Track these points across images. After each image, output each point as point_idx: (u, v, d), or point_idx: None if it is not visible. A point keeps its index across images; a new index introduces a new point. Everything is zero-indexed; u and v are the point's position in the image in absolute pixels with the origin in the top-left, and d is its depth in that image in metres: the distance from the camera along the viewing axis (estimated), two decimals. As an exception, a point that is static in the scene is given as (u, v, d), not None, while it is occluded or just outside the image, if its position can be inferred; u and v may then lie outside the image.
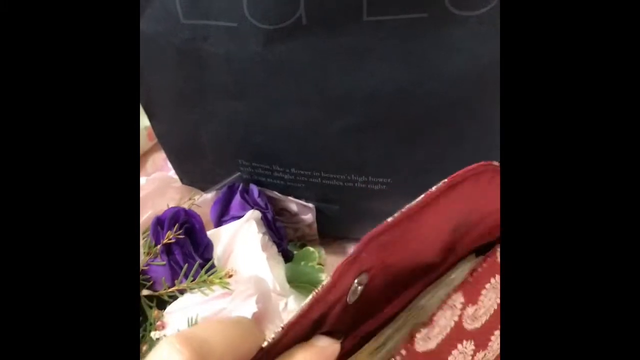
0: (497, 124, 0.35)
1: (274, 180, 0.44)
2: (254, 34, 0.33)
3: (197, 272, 0.36)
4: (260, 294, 0.32)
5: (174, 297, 0.36)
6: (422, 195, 0.21)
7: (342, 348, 0.25)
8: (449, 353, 0.24)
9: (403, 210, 0.20)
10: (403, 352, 0.23)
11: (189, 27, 0.34)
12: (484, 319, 0.25)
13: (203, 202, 0.46)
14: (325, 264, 0.47)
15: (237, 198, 0.45)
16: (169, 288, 0.36)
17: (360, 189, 0.42)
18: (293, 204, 0.46)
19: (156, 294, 0.36)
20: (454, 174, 0.21)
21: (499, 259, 0.26)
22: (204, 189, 0.48)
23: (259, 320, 0.33)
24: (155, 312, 0.34)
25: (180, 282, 0.36)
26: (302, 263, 0.46)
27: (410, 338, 0.23)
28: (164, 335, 0.32)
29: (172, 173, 0.50)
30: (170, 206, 0.41)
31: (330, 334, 0.21)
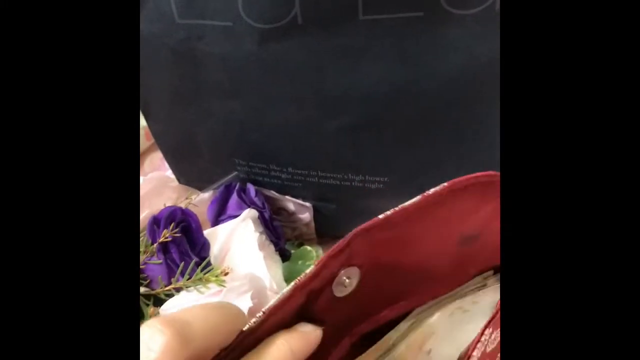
0: (494, 124, 0.36)
1: (271, 179, 0.44)
2: (249, 34, 0.33)
3: (193, 271, 0.36)
4: (256, 291, 0.32)
5: (170, 296, 0.36)
6: (419, 197, 0.21)
7: (341, 345, 0.25)
8: None
9: (396, 209, 0.20)
10: None
11: (184, 26, 0.34)
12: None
13: (200, 201, 0.46)
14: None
15: (234, 197, 0.45)
16: (165, 286, 0.36)
17: (358, 188, 0.42)
18: (290, 203, 0.46)
19: (153, 292, 0.36)
20: (455, 180, 0.21)
21: None
22: (201, 188, 0.48)
23: (253, 316, 0.33)
24: (151, 309, 0.34)
25: (177, 280, 0.36)
26: (300, 262, 0.46)
27: None
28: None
29: (169, 172, 0.50)
30: (167, 205, 0.41)
31: (320, 324, 0.21)
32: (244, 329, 0.18)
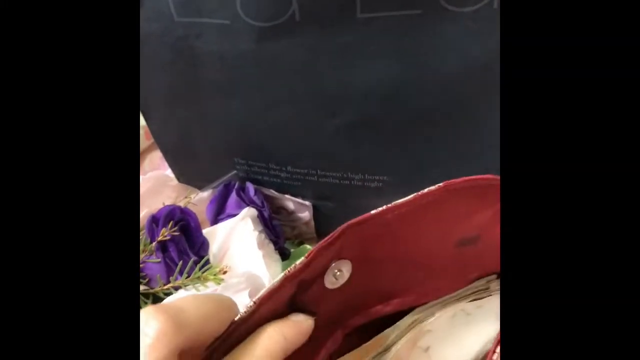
0: (492, 123, 0.36)
1: (270, 178, 0.44)
2: (247, 32, 0.33)
3: (191, 269, 0.36)
4: (254, 289, 0.32)
5: (169, 294, 0.36)
6: (412, 195, 0.21)
7: (334, 337, 0.25)
8: None
9: (389, 205, 0.20)
10: None
11: (183, 25, 0.34)
12: None
13: (199, 200, 0.46)
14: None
15: (233, 196, 0.45)
16: (164, 285, 0.36)
17: (357, 187, 0.42)
18: (290, 202, 0.46)
19: (151, 290, 0.36)
20: (451, 181, 0.21)
21: None
22: (200, 187, 0.48)
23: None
24: (149, 308, 0.34)
25: (175, 279, 0.36)
26: (297, 261, 0.46)
27: None
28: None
29: (168, 172, 0.50)
30: (166, 204, 0.41)
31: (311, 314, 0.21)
32: (235, 318, 0.18)
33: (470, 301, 0.27)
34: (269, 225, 0.44)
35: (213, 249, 0.41)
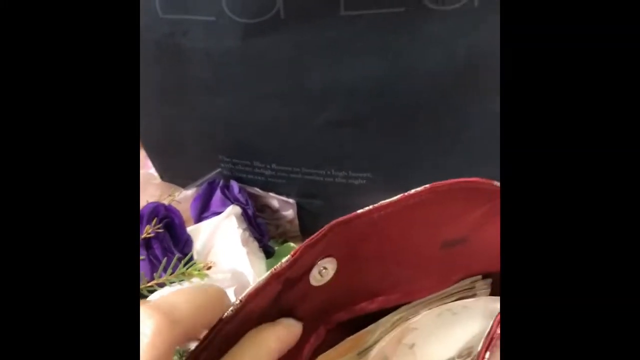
0: (476, 119, 0.36)
1: (254, 176, 0.44)
2: (232, 29, 0.33)
3: (176, 266, 0.35)
4: (239, 286, 0.32)
5: (152, 291, 0.36)
6: (398, 196, 0.21)
7: (317, 333, 0.25)
8: None
9: (375, 205, 0.21)
10: None
11: (168, 22, 0.34)
12: None
13: (183, 198, 0.46)
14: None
15: (218, 194, 0.45)
16: (148, 282, 0.36)
17: (341, 185, 0.42)
18: (274, 200, 0.46)
19: (135, 288, 0.36)
20: (438, 182, 0.21)
21: None
22: (184, 185, 0.48)
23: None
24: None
25: (160, 276, 0.35)
26: (283, 259, 0.46)
27: None
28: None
29: (152, 170, 0.50)
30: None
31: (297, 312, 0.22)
32: (222, 317, 0.18)
33: (455, 300, 0.28)
34: (253, 223, 0.44)
35: (197, 246, 0.41)
